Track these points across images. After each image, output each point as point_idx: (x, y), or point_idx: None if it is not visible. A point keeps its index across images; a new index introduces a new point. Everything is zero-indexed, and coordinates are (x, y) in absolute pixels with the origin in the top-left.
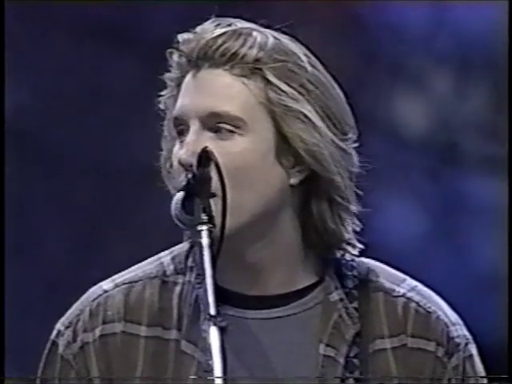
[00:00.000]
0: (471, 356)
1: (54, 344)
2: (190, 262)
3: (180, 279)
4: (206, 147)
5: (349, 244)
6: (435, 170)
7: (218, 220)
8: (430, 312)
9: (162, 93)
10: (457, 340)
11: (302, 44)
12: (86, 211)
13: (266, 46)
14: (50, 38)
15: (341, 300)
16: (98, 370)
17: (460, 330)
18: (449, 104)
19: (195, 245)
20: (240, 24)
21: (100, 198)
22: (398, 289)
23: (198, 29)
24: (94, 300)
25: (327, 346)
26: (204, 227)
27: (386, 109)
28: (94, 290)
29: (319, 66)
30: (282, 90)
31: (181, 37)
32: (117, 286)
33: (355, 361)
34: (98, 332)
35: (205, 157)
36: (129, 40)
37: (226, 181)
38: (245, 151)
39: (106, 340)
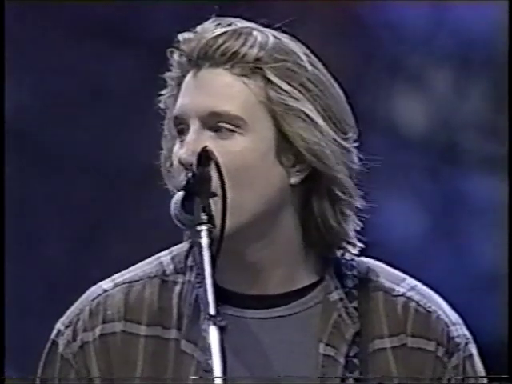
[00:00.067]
0: (471, 356)
1: (54, 343)
2: (189, 262)
3: (180, 279)
4: (206, 146)
5: (349, 243)
6: (435, 169)
7: (217, 219)
8: (429, 311)
9: (163, 92)
10: (457, 340)
11: (302, 43)
12: (86, 211)
13: (267, 46)
14: (50, 38)
15: (341, 299)
16: (98, 370)
17: (460, 330)
18: (449, 103)
19: (195, 245)
20: (240, 23)
21: (100, 197)
22: (397, 288)
23: (199, 28)
24: (93, 299)
25: (327, 345)
26: (204, 227)
27: (385, 108)
28: (93, 290)
29: (319, 65)
30: (283, 89)
31: (181, 36)
32: (117, 285)
33: (355, 360)
34: (97, 331)
35: (205, 156)
36: (129, 40)
37: (226, 180)
38: (245, 150)
39: (106, 339)
